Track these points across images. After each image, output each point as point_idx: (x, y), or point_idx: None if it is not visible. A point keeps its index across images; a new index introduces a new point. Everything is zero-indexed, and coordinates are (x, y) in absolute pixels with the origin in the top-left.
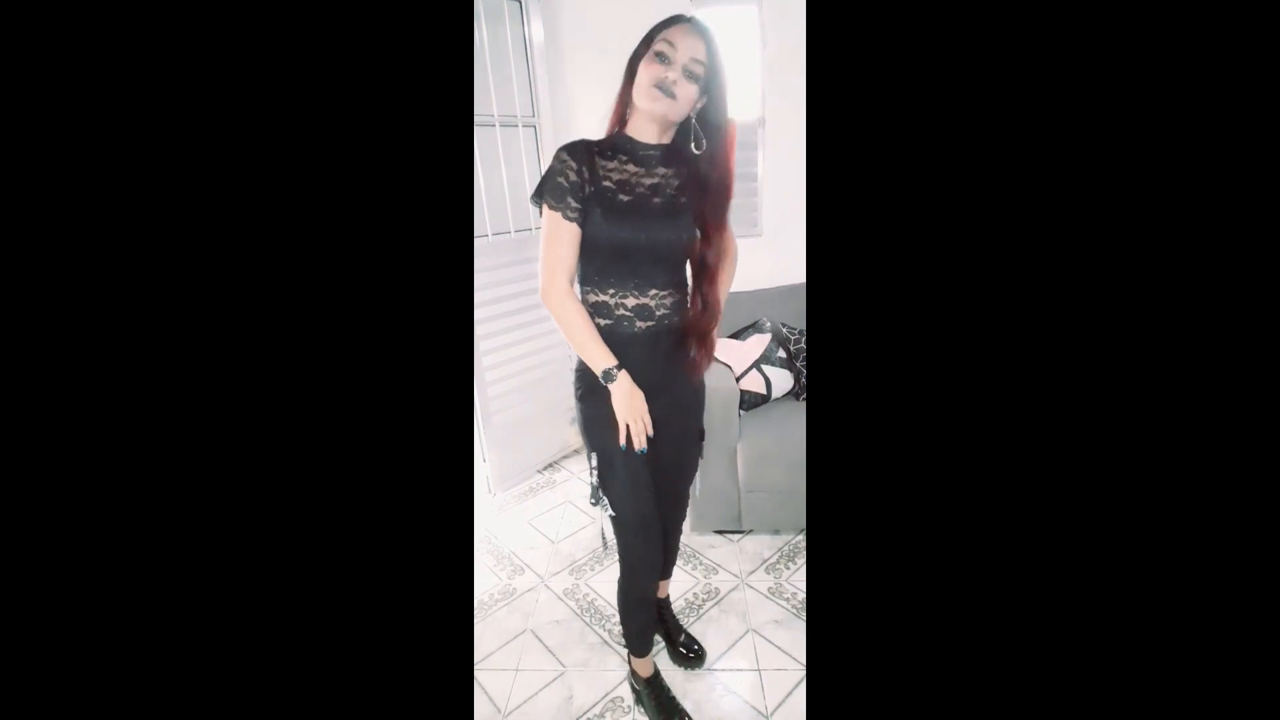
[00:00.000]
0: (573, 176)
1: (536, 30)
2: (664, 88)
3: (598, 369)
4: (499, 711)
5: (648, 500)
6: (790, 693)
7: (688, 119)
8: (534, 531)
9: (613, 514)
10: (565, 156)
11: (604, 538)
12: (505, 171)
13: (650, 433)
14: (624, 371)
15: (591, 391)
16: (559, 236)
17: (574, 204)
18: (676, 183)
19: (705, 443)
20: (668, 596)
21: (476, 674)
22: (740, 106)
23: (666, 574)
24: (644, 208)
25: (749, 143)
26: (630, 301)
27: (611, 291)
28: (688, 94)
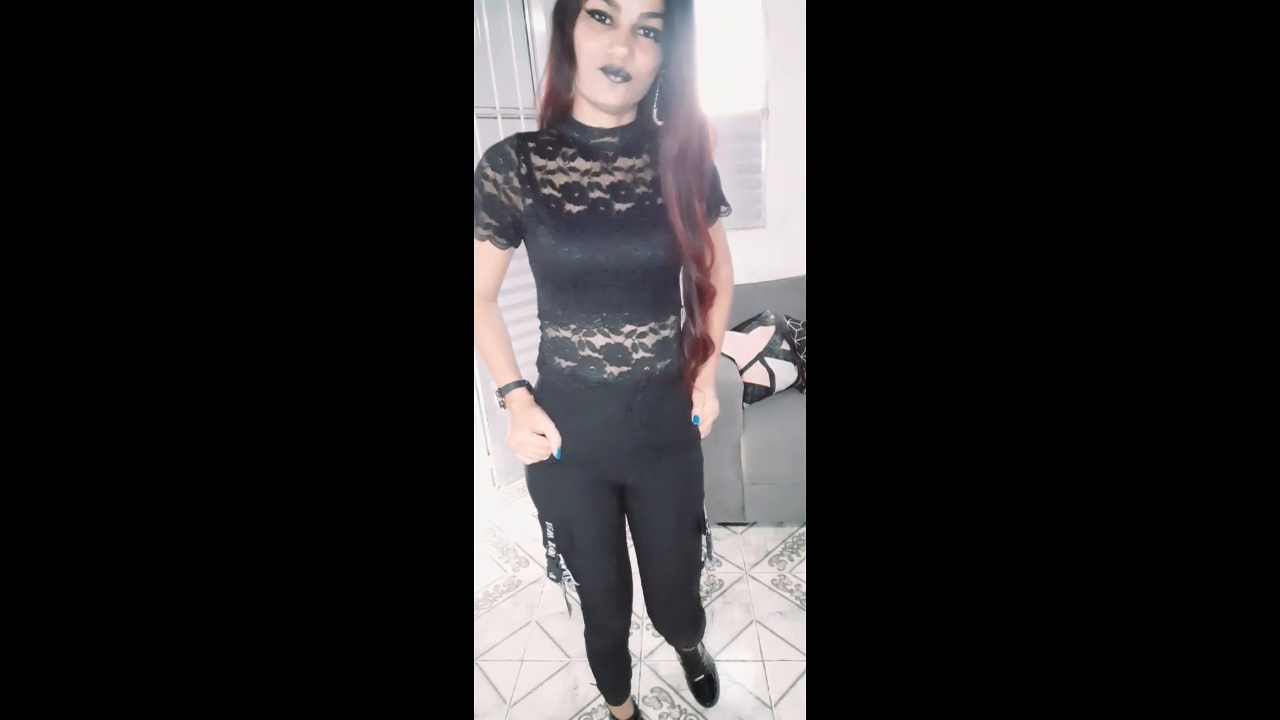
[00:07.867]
0: (488, 187)
1: (538, 21)
2: (614, 71)
3: (498, 384)
4: (504, 702)
5: (616, 566)
6: (794, 684)
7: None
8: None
9: (578, 584)
10: (483, 163)
11: (567, 603)
12: None
13: (558, 444)
14: (520, 389)
15: None
16: (476, 258)
17: (487, 219)
18: (650, 176)
19: (711, 438)
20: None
21: (482, 665)
22: (743, 97)
23: (677, 644)
24: (604, 218)
25: (752, 134)
26: (598, 340)
27: (574, 327)
28: (648, 62)
